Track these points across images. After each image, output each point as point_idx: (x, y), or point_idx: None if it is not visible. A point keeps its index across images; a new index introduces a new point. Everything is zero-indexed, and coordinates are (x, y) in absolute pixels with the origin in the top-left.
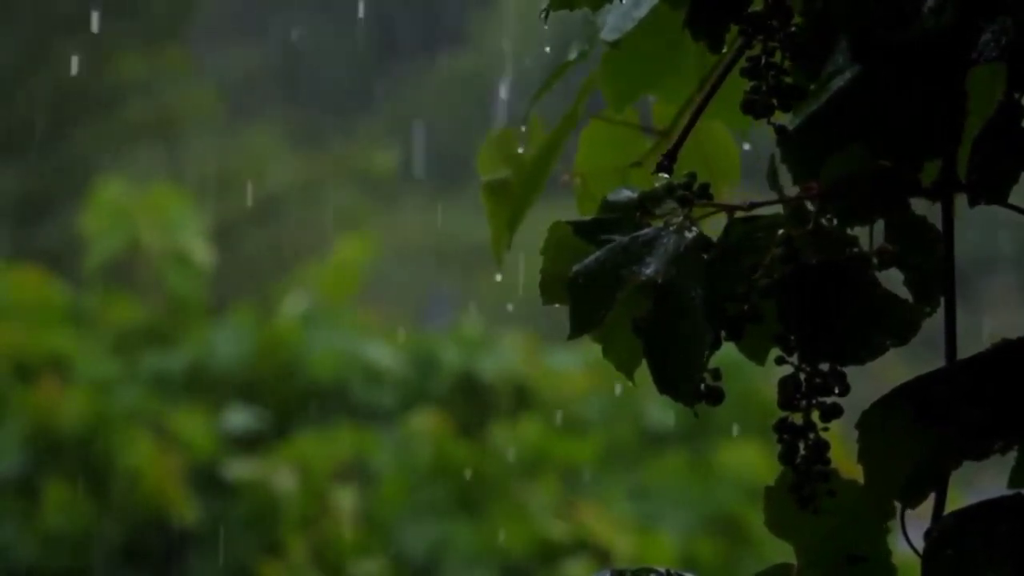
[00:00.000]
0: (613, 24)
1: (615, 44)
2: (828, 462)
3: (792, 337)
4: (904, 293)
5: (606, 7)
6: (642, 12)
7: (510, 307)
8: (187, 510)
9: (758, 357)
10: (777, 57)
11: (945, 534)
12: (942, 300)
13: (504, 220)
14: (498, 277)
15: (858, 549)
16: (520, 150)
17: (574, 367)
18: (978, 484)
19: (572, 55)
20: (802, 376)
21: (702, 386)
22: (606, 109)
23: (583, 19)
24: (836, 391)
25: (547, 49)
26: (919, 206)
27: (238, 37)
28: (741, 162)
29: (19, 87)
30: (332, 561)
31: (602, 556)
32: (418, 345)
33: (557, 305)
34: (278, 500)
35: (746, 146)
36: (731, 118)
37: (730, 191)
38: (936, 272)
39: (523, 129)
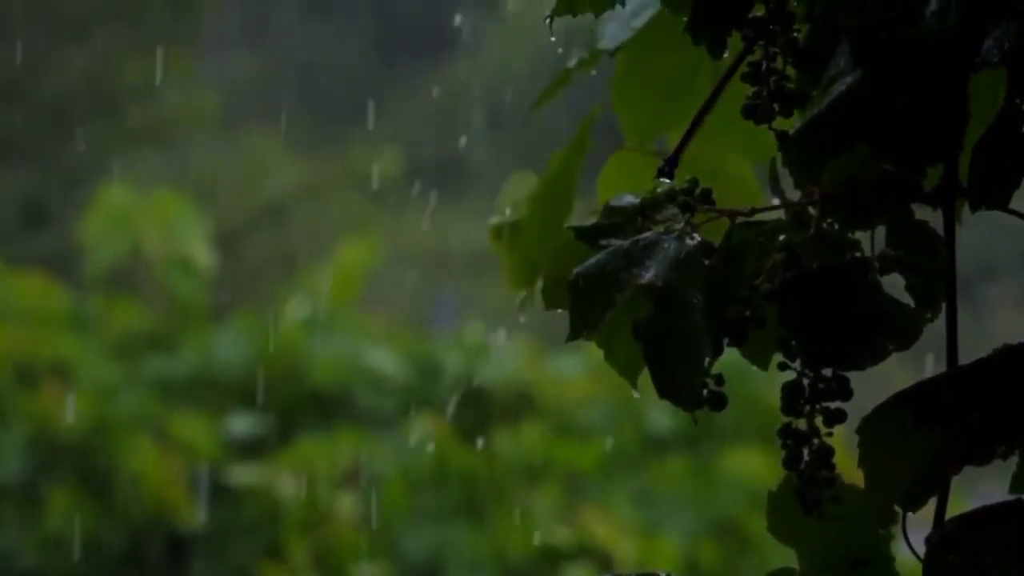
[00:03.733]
0: (612, 34)
1: (613, 53)
2: (833, 467)
3: (794, 342)
4: (906, 298)
5: (607, 14)
6: (640, 22)
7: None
8: (190, 515)
9: (761, 362)
10: (779, 62)
11: (947, 539)
12: (944, 305)
13: (518, 261)
14: (521, 319)
15: (860, 554)
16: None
17: (577, 372)
18: (981, 489)
19: (571, 63)
20: (805, 381)
21: (704, 391)
22: (623, 146)
23: (583, 27)
24: (839, 396)
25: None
26: (921, 211)
27: (241, 42)
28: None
29: (21, 91)
30: (334, 566)
31: (604, 561)
32: (420, 350)
33: (559, 311)
34: (280, 505)
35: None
36: (740, 140)
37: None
38: (938, 277)
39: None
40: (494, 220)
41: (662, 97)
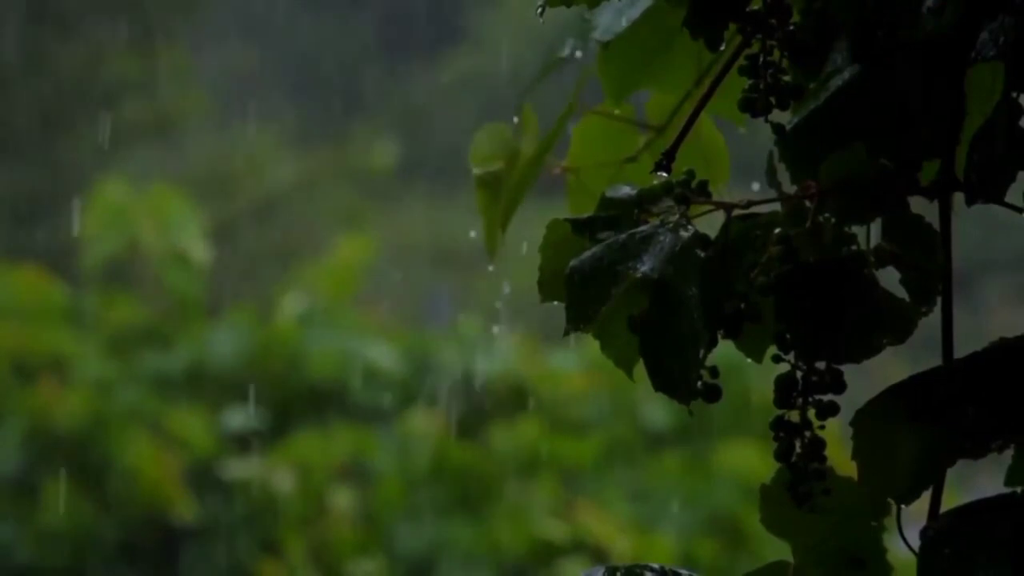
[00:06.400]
0: (606, 25)
1: (607, 45)
2: (824, 460)
3: (789, 335)
4: (901, 292)
5: (602, 4)
6: (635, 13)
7: (498, 304)
8: (185, 509)
9: (756, 355)
10: (776, 56)
11: (941, 533)
12: (939, 300)
13: (498, 214)
14: (491, 267)
15: (854, 547)
16: (513, 143)
17: (573, 367)
18: (978, 485)
19: (565, 51)
20: (799, 374)
21: (699, 384)
22: (600, 104)
23: (579, 16)
24: (832, 389)
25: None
26: (918, 205)
27: (237, 36)
28: (739, 160)
29: (16, 87)
30: (330, 561)
31: (600, 556)
32: (417, 345)
33: (555, 303)
34: (276, 500)
35: (741, 129)
36: (730, 113)
37: (724, 187)
38: (934, 271)
39: (516, 120)
40: (478, 170)
41: (639, 61)
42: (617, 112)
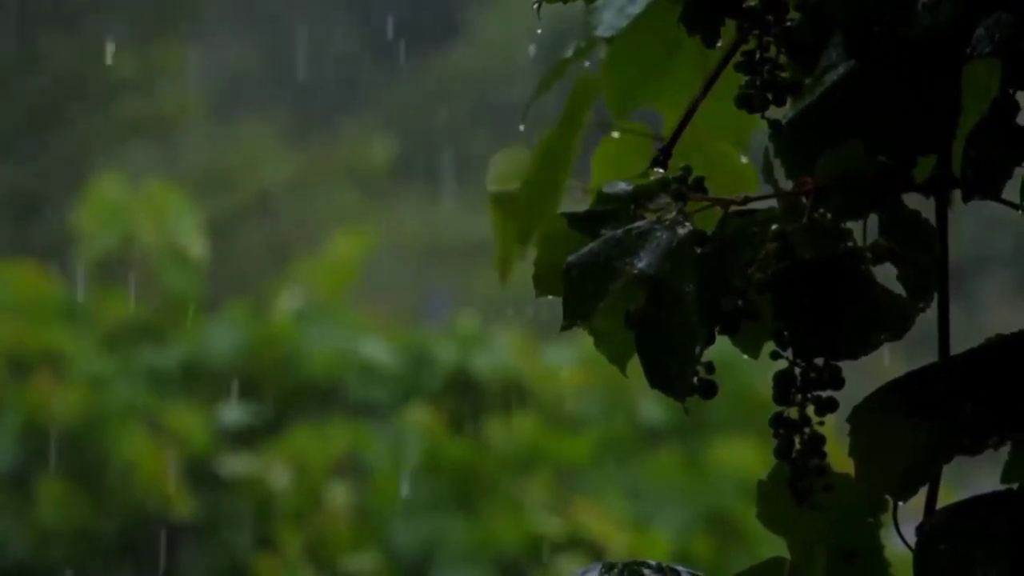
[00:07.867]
0: (608, 21)
1: (611, 40)
2: (824, 456)
3: (786, 332)
4: (897, 287)
5: (601, 1)
6: (637, 8)
7: (500, 295)
8: (182, 505)
9: (752, 351)
10: (772, 52)
11: (937, 529)
12: (936, 296)
13: (511, 234)
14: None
15: (851, 543)
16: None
17: (569, 363)
18: (974, 482)
19: (569, 53)
20: (797, 371)
21: (694, 380)
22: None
23: (580, 17)
24: (831, 385)
25: (531, 49)
26: (915, 201)
27: (234, 33)
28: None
29: (14, 84)
30: (326, 556)
31: (597, 553)
32: (413, 341)
33: (550, 297)
34: (273, 495)
35: (744, 159)
36: (732, 121)
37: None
38: (930, 267)
39: (521, 128)
40: (494, 188)
41: (642, 72)
42: (629, 127)
